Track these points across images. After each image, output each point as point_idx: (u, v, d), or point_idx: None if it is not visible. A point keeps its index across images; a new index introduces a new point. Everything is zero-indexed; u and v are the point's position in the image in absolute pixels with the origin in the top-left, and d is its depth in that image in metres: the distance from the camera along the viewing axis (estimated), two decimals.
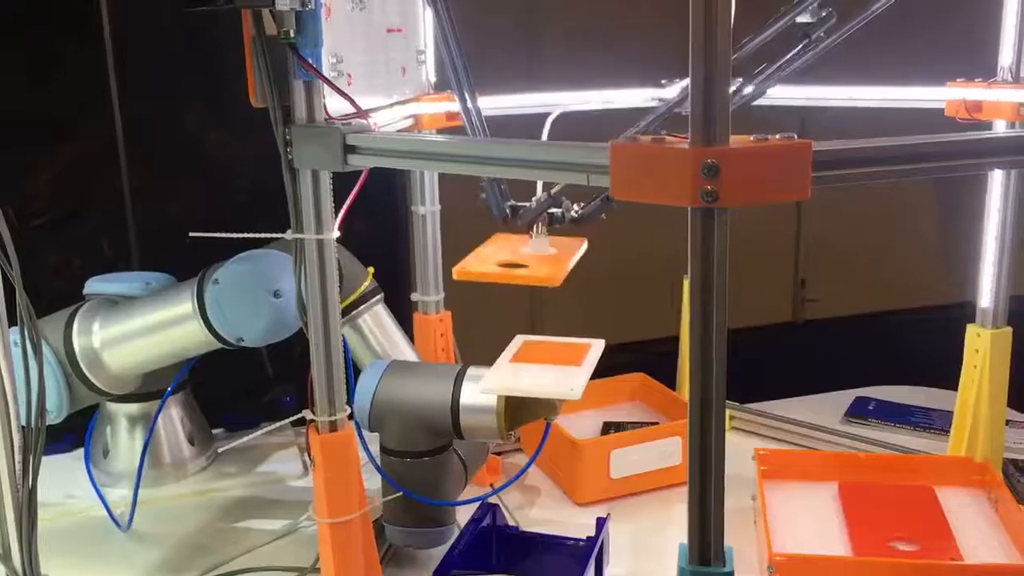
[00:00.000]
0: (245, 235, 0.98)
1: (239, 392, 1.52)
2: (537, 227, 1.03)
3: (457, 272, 0.99)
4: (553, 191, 1.01)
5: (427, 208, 1.27)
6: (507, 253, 1.03)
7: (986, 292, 1.17)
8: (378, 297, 1.24)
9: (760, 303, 2.46)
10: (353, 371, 1.09)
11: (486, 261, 1.01)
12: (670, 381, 1.48)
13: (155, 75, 1.62)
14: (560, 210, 1.02)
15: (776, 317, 2.60)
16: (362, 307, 1.22)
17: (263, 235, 0.98)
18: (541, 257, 1.02)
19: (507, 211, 1.03)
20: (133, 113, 1.61)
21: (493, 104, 1.20)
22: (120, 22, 1.58)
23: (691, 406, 0.72)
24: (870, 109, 1.22)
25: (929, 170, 0.87)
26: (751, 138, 0.69)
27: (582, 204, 1.02)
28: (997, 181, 1.14)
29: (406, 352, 1.25)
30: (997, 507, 1.13)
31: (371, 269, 1.22)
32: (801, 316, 2.65)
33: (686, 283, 0.81)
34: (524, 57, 2.04)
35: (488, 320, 1.44)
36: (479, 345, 1.20)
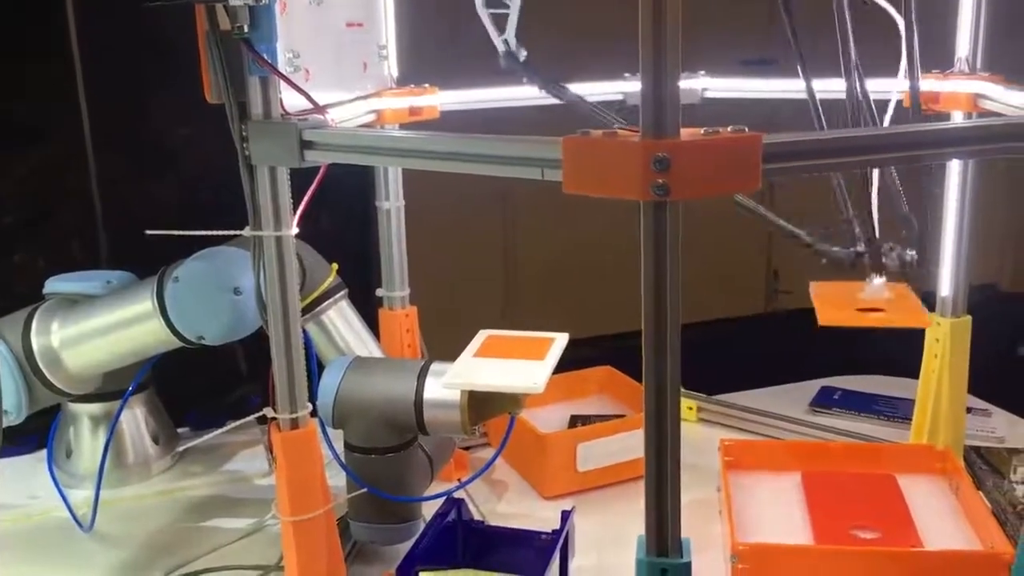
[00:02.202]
0: (203, 232, 0.97)
1: (205, 391, 1.51)
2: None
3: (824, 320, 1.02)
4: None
5: (391, 203, 1.26)
6: (855, 300, 1.06)
7: (946, 281, 1.19)
8: (342, 293, 1.24)
9: (733, 295, 2.47)
10: (319, 368, 1.09)
11: (843, 307, 1.04)
12: (639, 374, 1.48)
13: (123, 72, 1.60)
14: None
15: (749, 309, 2.61)
16: (326, 303, 1.21)
17: (222, 232, 0.97)
18: (889, 301, 1.04)
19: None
20: (101, 111, 1.59)
21: (476, 97, 1.22)
22: (87, 19, 1.56)
23: (646, 400, 0.73)
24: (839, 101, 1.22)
25: (882, 161, 0.87)
26: (701, 131, 0.70)
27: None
28: (955, 172, 1.15)
29: (372, 348, 1.25)
30: (958, 494, 1.14)
31: (335, 265, 1.22)
32: (773, 307, 2.66)
33: None
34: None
35: (456, 316, 1.44)
36: (447, 341, 1.20)
